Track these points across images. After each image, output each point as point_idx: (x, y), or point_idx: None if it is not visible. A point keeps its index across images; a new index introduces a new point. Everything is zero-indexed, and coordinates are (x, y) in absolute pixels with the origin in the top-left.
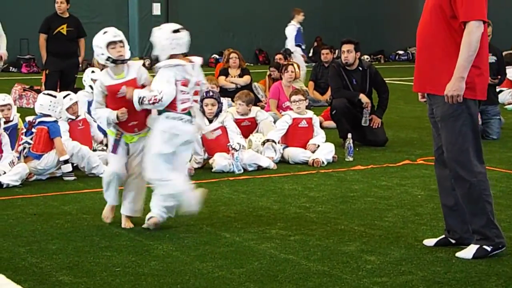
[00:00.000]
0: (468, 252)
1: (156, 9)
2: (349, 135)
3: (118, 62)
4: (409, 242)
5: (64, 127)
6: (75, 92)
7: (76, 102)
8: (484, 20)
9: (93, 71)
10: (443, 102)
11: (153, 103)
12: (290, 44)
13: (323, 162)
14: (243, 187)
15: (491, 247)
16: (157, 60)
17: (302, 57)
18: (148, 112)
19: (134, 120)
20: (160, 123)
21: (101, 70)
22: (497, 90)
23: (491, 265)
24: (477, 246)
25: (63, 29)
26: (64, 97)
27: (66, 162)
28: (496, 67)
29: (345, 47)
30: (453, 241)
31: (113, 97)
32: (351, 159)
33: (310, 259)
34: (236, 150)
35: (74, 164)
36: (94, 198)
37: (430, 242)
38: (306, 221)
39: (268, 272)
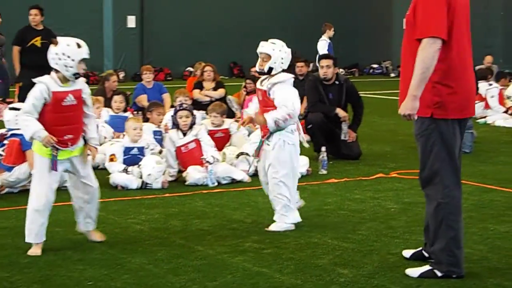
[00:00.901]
0: (417, 270)
1: (131, 22)
2: (323, 149)
3: (78, 77)
4: (382, 255)
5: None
6: None
7: None
8: (440, 37)
9: None
10: (416, 121)
11: (287, 119)
12: None
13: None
14: (217, 200)
15: (442, 273)
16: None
17: None
18: (81, 127)
19: (69, 133)
20: (288, 137)
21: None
22: None
23: (463, 279)
24: (429, 268)
25: (37, 41)
26: None
27: None
28: None
29: (324, 62)
30: (426, 255)
31: (57, 105)
32: (325, 172)
33: (283, 272)
34: (210, 163)
35: None
36: (66, 211)
37: (407, 253)
38: (279, 234)
39: (241, 286)
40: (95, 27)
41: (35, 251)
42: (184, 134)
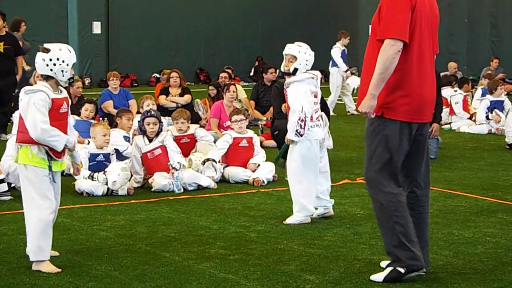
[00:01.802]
0: (381, 275)
1: (97, 27)
2: None
3: (72, 82)
4: (348, 261)
5: (14, 142)
6: (13, 111)
7: None
8: (401, 39)
9: None
10: (367, 120)
11: (301, 125)
12: (340, 66)
13: (263, 181)
14: (183, 206)
15: (404, 269)
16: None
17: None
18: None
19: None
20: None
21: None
22: None
23: (427, 284)
24: (391, 268)
25: (0, 47)
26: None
27: (1, 181)
28: None
29: None
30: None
31: (55, 112)
32: None
33: (249, 279)
34: (177, 170)
35: (12, 185)
36: None
37: (384, 263)
38: (246, 240)
39: None
40: (60, 33)
41: (52, 267)
42: (150, 141)
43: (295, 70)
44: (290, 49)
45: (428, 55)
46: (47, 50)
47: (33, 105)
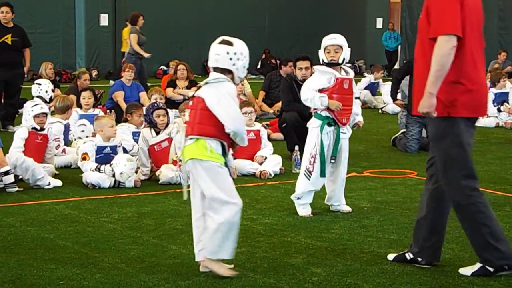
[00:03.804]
0: (469, 269)
1: (104, 19)
2: (297, 147)
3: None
4: (355, 254)
5: (23, 134)
6: (20, 103)
7: (46, 114)
8: (455, 34)
9: (39, 83)
10: (432, 122)
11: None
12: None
13: (270, 174)
14: (190, 198)
15: (493, 268)
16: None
17: None
18: None
19: None
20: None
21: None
22: None
23: (434, 277)
24: (480, 265)
25: (8, 39)
26: (35, 105)
27: (6, 173)
28: None
29: (302, 64)
30: (409, 257)
31: None
32: (298, 171)
33: (256, 271)
34: None
35: (20, 177)
36: (38, 210)
37: (391, 256)
38: (253, 233)
39: (215, 285)
40: (68, 25)
41: (227, 270)
42: (157, 133)
43: (343, 60)
44: (336, 39)
45: (480, 48)
46: (230, 43)
47: (227, 95)
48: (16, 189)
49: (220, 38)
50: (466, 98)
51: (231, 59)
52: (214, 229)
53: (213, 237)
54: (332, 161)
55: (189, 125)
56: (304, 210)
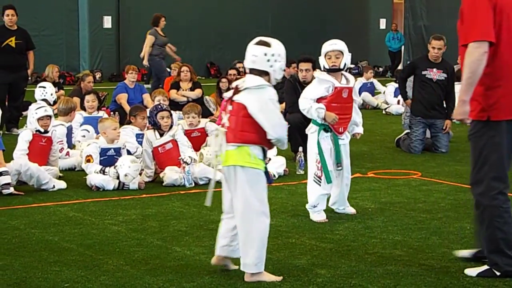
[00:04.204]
0: (475, 270)
1: (107, 22)
2: (300, 149)
3: None
4: (359, 255)
5: (27, 136)
6: (24, 106)
7: (50, 117)
8: (486, 40)
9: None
10: (470, 123)
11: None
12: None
13: (274, 175)
14: (194, 200)
15: (500, 272)
16: None
17: None
18: None
19: None
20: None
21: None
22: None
23: (439, 278)
24: (487, 267)
25: (12, 41)
26: (39, 108)
27: (1, 174)
28: (445, 84)
29: (304, 66)
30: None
31: None
32: (302, 172)
33: None
34: (188, 164)
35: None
36: (43, 212)
37: (465, 253)
38: None
39: (219, 286)
40: (71, 28)
41: (273, 276)
42: (161, 135)
43: (344, 65)
44: (337, 44)
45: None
46: (268, 44)
47: (270, 102)
48: (10, 191)
49: (257, 39)
50: (505, 101)
51: (268, 60)
52: (250, 245)
53: (250, 252)
54: (339, 168)
55: (231, 132)
56: (319, 215)
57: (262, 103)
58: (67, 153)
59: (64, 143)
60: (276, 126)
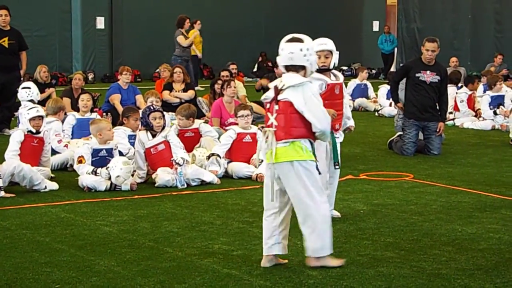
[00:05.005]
0: None
1: (100, 23)
2: None
3: None
4: (351, 256)
5: (18, 137)
6: (16, 106)
7: (42, 117)
8: None
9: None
10: None
11: None
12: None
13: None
14: (186, 202)
15: None
16: None
17: None
18: None
19: None
20: None
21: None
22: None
23: (430, 279)
24: None
25: (5, 42)
26: (31, 108)
27: None
28: (438, 86)
29: None
30: None
31: None
32: None
33: (252, 274)
34: (180, 165)
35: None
36: (34, 213)
37: None
38: (249, 236)
39: None
40: (64, 28)
41: (337, 261)
42: (153, 136)
43: (334, 65)
44: (327, 44)
45: None
46: (301, 40)
47: (313, 97)
48: (1, 194)
49: (288, 36)
50: None
51: (305, 55)
52: (312, 228)
53: (313, 237)
54: (337, 167)
55: (281, 130)
56: None
57: (306, 98)
58: (66, 145)
59: (61, 134)
60: (321, 119)
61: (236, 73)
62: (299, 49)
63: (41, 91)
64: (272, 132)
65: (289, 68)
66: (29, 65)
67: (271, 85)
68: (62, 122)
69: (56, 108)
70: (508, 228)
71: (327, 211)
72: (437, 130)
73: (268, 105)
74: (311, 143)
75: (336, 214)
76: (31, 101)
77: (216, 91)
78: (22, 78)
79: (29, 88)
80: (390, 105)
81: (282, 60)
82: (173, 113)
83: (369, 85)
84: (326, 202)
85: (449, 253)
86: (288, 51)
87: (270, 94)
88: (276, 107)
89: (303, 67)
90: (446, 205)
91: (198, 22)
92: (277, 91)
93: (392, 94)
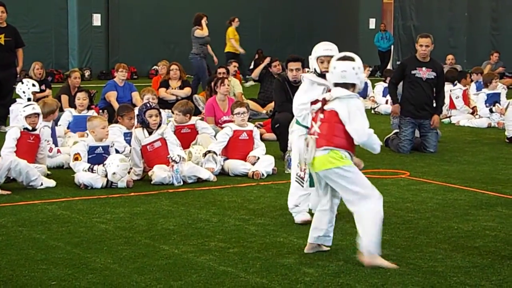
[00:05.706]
0: None
1: (96, 20)
2: (289, 148)
3: None
4: (347, 254)
5: (15, 134)
6: (12, 103)
7: (38, 114)
8: None
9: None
10: None
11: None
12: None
13: (263, 174)
14: (182, 199)
15: None
16: None
17: None
18: None
19: None
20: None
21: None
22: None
23: (426, 277)
24: None
25: (1, 39)
26: (27, 105)
27: None
28: (435, 83)
29: (293, 65)
30: None
31: None
32: (290, 171)
33: (249, 272)
34: (176, 162)
35: (12, 177)
36: (30, 210)
37: None
38: (245, 233)
39: (207, 285)
40: (60, 25)
41: (387, 262)
42: (150, 133)
43: None
44: (331, 51)
45: None
46: (352, 59)
47: (358, 110)
48: None
49: (340, 55)
50: None
51: (356, 73)
52: (365, 227)
53: (365, 235)
54: None
55: (323, 137)
56: (302, 215)
57: (350, 111)
58: (58, 150)
59: (51, 143)
60: (360, 133)
61: (237, 71)
62: (351, 68)
63: None
64: (314, 140)
65: (340, 85)
66: (25, 62)
67: (321, 97)
68: (58, 119)
69: (45, 113)
70: (504, 225)
71: (374, 205)
72: (431, 123)
73: (313, 115)
74: (351, 156)
75: None
76: (28, 99)
77: (213, 89)
78: (18, 75)
79: (26, 84)
80: (387, 102)
81: (334, 77)
82: (170, 111)
83: (369, 83)
84: (375, 196)
85: (445, 251)
86: (341, 69)
87: (318, 106)
88: (321, 116)
89: (353, 85)
90: (442, 203)
91: (236, 19)
92: (325, 102)
93: (391, 96)
